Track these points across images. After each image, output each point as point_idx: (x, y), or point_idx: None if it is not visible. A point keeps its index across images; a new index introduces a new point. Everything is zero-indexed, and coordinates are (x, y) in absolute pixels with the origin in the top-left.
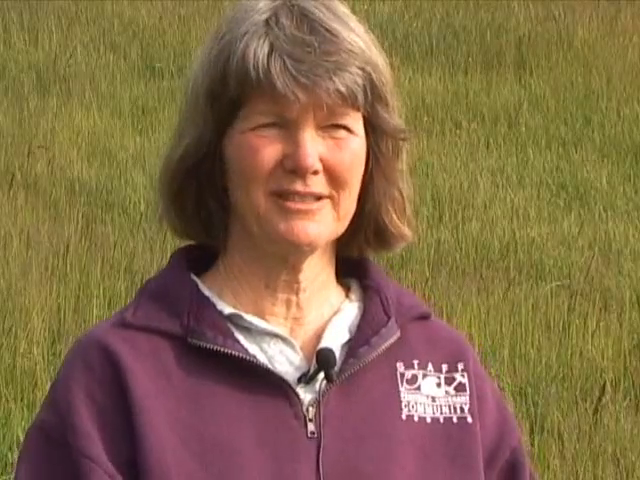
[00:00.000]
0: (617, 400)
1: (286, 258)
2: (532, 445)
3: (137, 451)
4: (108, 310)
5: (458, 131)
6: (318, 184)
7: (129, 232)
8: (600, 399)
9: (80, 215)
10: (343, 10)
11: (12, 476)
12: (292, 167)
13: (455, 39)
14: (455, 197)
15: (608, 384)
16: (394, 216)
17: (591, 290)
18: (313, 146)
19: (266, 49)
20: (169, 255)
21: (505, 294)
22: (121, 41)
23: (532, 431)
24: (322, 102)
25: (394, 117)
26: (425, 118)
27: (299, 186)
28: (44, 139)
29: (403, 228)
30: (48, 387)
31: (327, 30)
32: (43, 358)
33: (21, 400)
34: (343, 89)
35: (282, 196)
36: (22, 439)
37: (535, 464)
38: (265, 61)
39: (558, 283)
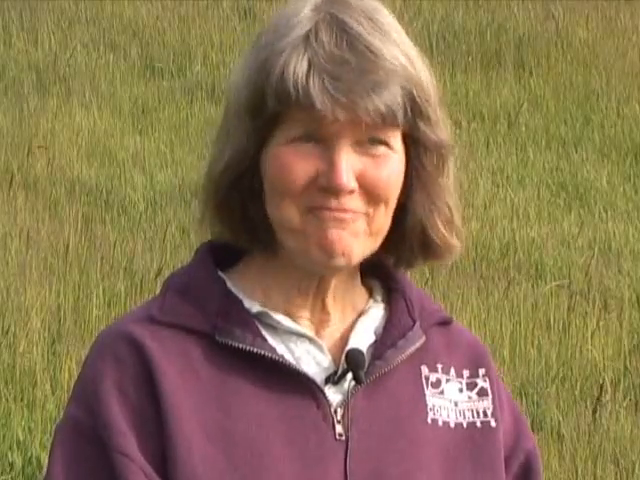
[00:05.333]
0: (617, 400)
1: (320, 272)
2: None
3: (166, 449)
4: (108, 310)
5: (458, 131)
6: (353, 202)
7: (129, 232)
8: (599, 399)
9: (80, 215)
10: (388, 21)
11: (12, 475)
12: (326, 185)
13: (455, 39)
14: None
15: (608, 384)
16: (441, 228)
17: (591, 290)
18: (349, 165)
19: (305, 66)
20: (168, 255)
21: (505, 294)
22: (121, 41)
23: (532, 431)
24: (361, 121)
25: (437, 132)
26: None
27: (333, 203)
28: (44, 139)
29: (451, 239)
30: (48, 387)
31: (366, 47)
32: (42, 358)
33: (21, 400)
34: (383, 108)
35: (315, 212)
36: (22, 439)
37: None
38: (304, 79)
39: (558, 283)
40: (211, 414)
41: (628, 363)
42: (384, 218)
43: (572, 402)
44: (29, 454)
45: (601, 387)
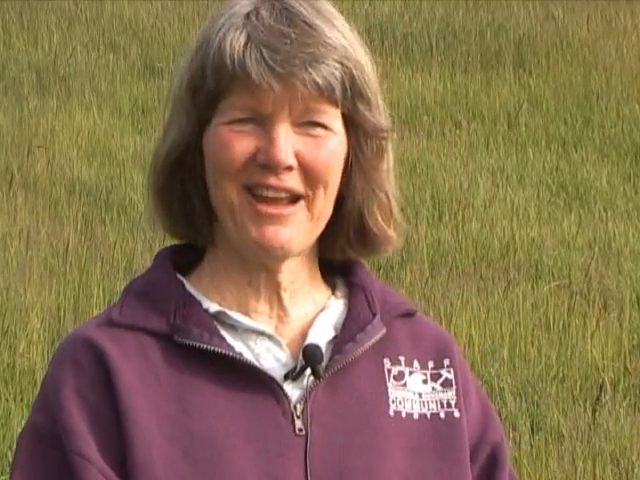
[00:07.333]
0: (616, 400)
1: (264, 262)
2: (531, 445)
3: (126, 450)
4: None
5: (458, 131)
6: (292, 180)
7: (128, 232)
8: (599, 399)
9: (80, 215)
10: (329, 9)
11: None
12: (265, 161)
13: (455, 39)
14: (455, 197)
15: (607, 384)
16: (379, 218)
17: (591, 290)
18: (287, 141)
19: (242, 40)
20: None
21: (505, 294)
22: (121, 41)
23: (532, 431)
24: (298, 94)
25: (376, 116)
26: (425, 118)
27: (272, 180)
28: (44, 139)
29: (388, 231)
30: None
31: (306, 24)
32: (42, 358)
33: (20, 400)
34: (320, 80)
35: (254, 192)
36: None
37: (534, 464)
38: (241, 52)
39: (557, 283)
40: (170, 414)
41: (628, 363)
42: (324, 202)
43: (572, 402)
44: None
45: (601, 387)
